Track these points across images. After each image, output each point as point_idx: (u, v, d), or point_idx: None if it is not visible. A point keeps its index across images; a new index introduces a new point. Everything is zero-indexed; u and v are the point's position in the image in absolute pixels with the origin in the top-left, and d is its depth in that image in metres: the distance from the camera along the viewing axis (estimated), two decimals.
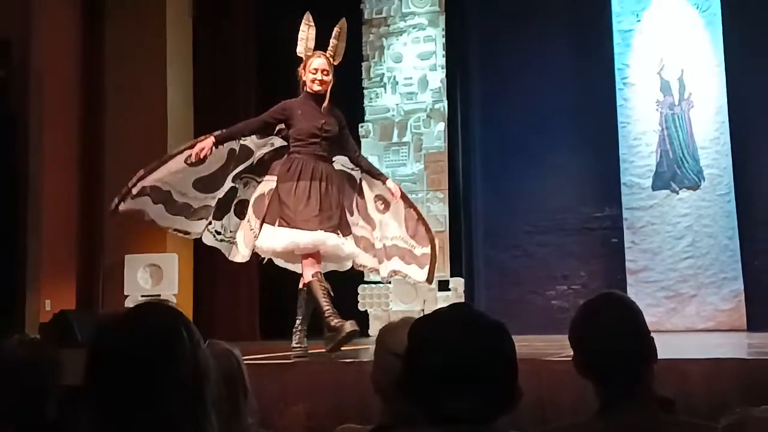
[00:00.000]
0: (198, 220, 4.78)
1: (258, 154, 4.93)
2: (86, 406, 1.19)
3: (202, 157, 4.61)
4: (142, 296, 7.25)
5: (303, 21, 5.05)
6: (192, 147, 4.66)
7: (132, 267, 7.58)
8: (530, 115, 7.96)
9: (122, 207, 4.62)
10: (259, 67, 8.43)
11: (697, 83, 7.47)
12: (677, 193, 7.40)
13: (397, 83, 8.07)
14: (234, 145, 4.82)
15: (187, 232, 4.85)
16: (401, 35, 8.11)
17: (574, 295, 7.57)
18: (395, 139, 8.03)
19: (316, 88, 4.82)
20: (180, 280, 7.62)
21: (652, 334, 1.84)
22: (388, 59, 8.11)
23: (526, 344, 4.66)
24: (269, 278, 8.06)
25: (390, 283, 7.85)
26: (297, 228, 4.57)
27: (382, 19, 8.16)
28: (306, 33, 4.99)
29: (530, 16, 8.03)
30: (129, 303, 7.28)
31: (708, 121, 7.40)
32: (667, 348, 3.21)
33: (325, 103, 4.83)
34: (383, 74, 8.12)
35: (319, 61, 4.83)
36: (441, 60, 7.97)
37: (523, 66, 8.04)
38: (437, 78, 7.96)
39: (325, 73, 4.82)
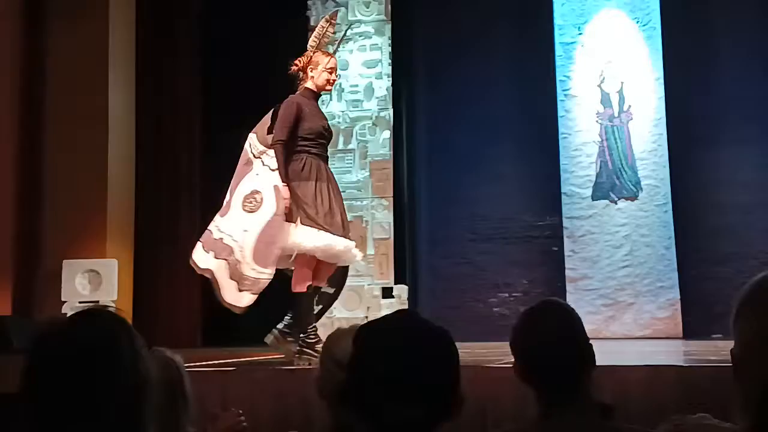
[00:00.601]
0: None
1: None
2: (21, 415, 1.16)
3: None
4: (80, 302, 7.10)
5: (326, 18, 4.97)
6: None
7: (70, 272, 7.42)
8: (474, 125, 8.05)
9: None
10: (202, 68, 8.34)
11: (636, 96, 7.64)
12: (616, 203, 7.55)
13: (343, 90, 8.07)
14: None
15: None
16: (347, 43, 8.12)
17: (516, 302, 7.66)
18: (341, 146, 8.03)
19: (328, 87, 4.78)
20: (119, 286, 7.48)
21: (591, 341, 1.87)
22: None
23: (468, 351, 4.70)
24: (211, 285, 7.97)
25: None
26: (325, 231, 4.42)
27: None
28: (324, 30, 4.86)
29: (475, 26, 8.12)
30: (66, 309, 7.13)
31: (646, 132, 7.58)
32: (605, 355, 3.27)
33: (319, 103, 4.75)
34: None
35: (334, 62, 4.73)
36: (387, 68, 8.01)
37: (468, 75, 8.12)
38: (383, 86, 7.99)
39: (336, 74, 4.76)
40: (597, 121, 7.70)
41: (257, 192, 4.59)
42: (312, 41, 4.82)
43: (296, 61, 4.77)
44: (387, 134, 7.93)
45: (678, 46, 7.49)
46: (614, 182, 7.58)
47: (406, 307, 7.38)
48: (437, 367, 1.33)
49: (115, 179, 7.65)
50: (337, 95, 8.08)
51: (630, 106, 7.64)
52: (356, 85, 8.04)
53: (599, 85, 7.74)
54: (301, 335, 4.45)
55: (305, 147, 4.55)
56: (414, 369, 1.30)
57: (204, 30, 8.31)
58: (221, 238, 4.54)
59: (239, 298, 4.51)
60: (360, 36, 8.09)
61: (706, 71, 7.54)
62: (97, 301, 6.95)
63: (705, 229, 7.40)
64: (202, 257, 4.55)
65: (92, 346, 1.17)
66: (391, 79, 8.01)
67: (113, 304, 7.09)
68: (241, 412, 2.31)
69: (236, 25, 8.27)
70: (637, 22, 7.69)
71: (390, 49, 8.03)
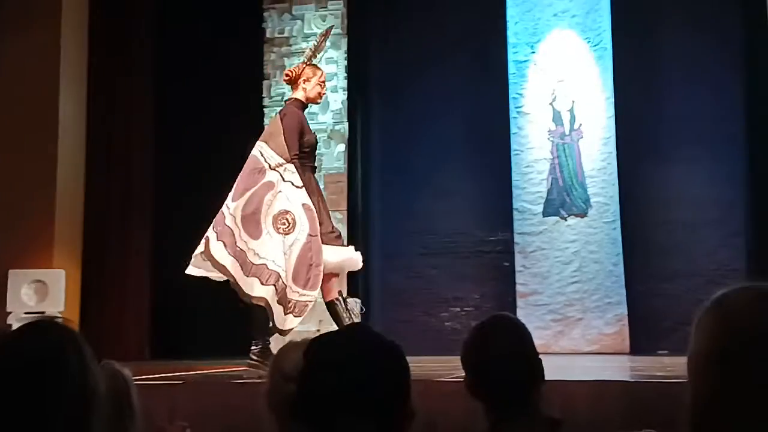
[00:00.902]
0: None
1: None
2: None
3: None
4: (26, 313, 6.96)
5: (321, 33, 5.05)
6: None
7: (15, 283, 7.26)
8: (428, 140, 8.10)
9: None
10: (156, 80, 8.25)
11: (587, 114, 7.77)
12: (566, 219, 7.66)
13: None
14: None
15: None
16: (303, 55, 8.12)
17: (467, 317, 7.70)
18: None
19: (318, 100, 4.88)
20: (66, 297, 7.35)
21: (540, 356, 1.90)
22: None
23: (419, 365, 4.71)
24: (161, 297, 7.88)
25: None
26: (334, 244, 4.57)
27: (284, 39, 8.16)
28: (320, 44, 4.92)
29: (430, 42, 8.18)
30: (12, 320, 6.98)
31: (596, 151, 7.70)
32: (554, 369, 3.30)
33: None
34: (284, 93, 8.09)
35: (324, 75, 4.79)
36: (342, 82, 8.02)
37: (423, 91, 8.18)
38: (338, 100, 8.00)
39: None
40: (548, 139, 7.81)
41: (287, 212, 4.55)
42: (307, 53, 4.88)
43: (287, 72, 4.81)
44: (342, 148, 7.94)
45: (628, 67, 7.64)
46: (564, 199, 7.69)
47: (358, 320, 7.36)
48: (388, 380, 1.33)
49: (64, 189, 7.53)
50: None
51: (581, 125, 7.77)
52: None
53: (551, 104, 7.85)
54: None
55: (304, 160, 4.61)
56: (365, 382, 1.30)
57: (158, 42, 8.24)
58: (264, 264, 4.47)
59: (284, 322, 4.54)
60: None
61: (655, 91, 7.70)
62: (44, 312, 6.82)
63: (652, 246, 7.54)
64: (248, 283, 4.51)
65: (40, 358, 1.15)
66: (346, 93, 8.03)
67: (60, 316, 6.97)
68: (187, 425, 2.28)
69: (191, 38, 8.22)
70: (589, 42, 7.83)
71: (346, 63, 8.06)
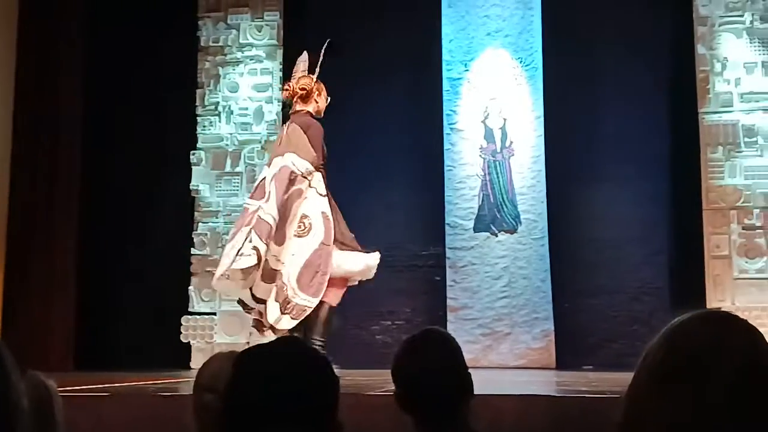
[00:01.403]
0: None
1: None
2: None
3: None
4: None
5: (324, 49, 5.17)
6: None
7: None
8: (363, 153, 8.13)
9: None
10: (86, 85, 8.08)
11: (518, 133, 7.90)
12: (496, 235, 7.76)
13: (231, 113, 8.01)
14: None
15: None
16: (238, 65, 8.08)
17: (398, 330, 7.73)
18: (228, 168, 7.95)
19: (323, 114, 4.99)
20: None
21: (469, 370, 1.92)
22: (223, 88, 8.05)
23: (349, 378, 4.70)
24: (88, 305, 7.71)
25: (215, 314, 7.72)
26: (356, 250, 4.70)
27: (219, 48, 8.09)
28: (323, 59, 5.07)
29: (367, 57, 8.22)
30: None
31: (527, 168, 7.84)
32: (482, 383, 3.34)
33: None
34: (218, 103, 8.04)
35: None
36: (277, 93, 8.00)
37: (358, 105, 8.20)
38: (273, 111, 7.97)
39: None
40: (480, 156, 7.92)
41: (306, 216, 4.65)
42: (316, 73, 5.03)
43: (304, 86, 4.91)
44: None
45: (558, 87, 7.81)
46: (495, 215, 7.80)
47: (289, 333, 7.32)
48: (316, 393, 1.33)
49: None
50: (225, 117, 8.01)
51: (512, 142, 7.90)
52: (246, 108, 7.99)
53: (483, 121, 7.97)
54: (320, 343, 4.47)
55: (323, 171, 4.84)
56: (292, 395, 1.30)
57: (89, 43, 8.08)
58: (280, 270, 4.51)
59: (279, 320, 4.50)
60: (251, 59, 8.06)
61: (583, 111, 7.89)
62: None
63: (579, 263, 7.70)
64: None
65: None
66: (281, 103, 8.01)
67: None
68: None
69: (124, 42, 8.09)
70: (521, 61, 7.98)
71: (281, 74, 8.03)
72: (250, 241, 4.53)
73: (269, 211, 4.61)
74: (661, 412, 1.06)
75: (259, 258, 4.54)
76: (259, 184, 4.92)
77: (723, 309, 6.57)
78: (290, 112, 5.04)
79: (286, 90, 4.94)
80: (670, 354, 1.08)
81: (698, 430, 1.04)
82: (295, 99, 4.94)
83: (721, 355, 1.05)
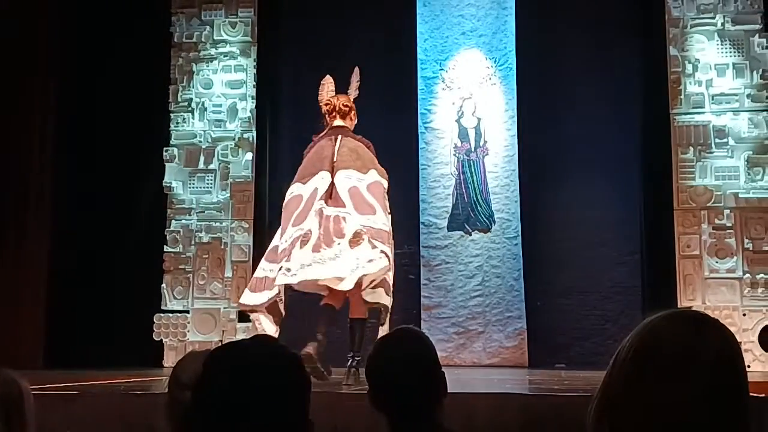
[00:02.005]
0: None
1: None
2: None
3: None
4: None
5: (356, 71, 5.39)
6: None
7: None
8: None
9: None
10: (60, 81, 7.99)
11: (492, 132, 7.94)
12: (470, 234, 7.79)
13: (205, 109, 7.96)
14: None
15: None
16: (212, 62, 8.04)
17: (372, 329, 7.71)
18: (201, 165, 7.91)
19: None
20: None
21: (443, 369, 1.93)
22: (197, 84, 8.00)
23: None
24: (59, 302, 7.63)
25: (188, 312, 7.68)
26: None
27: (192, 44, 8.04)
28: (358, 78, 5.36)
29: (341, 55, 8.20)
30: None
31: (500, 168, 7.88)
32: (455, 382, 3.35)
33: None
34: (191, 99, 7.99)
35: None
36: (251, 90, 7.97)
37: None
38: (247, 108, 7.94)
39: None
40: (454, 155, 7.94)
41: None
42: (354, 89, 5.28)
43: (347, 103, 5.15)
44: (249, 156, 7.87)
45: (531, 87, 7.85)
46: (469, 214, 7.83)
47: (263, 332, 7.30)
48: (287, 392, 1.33)
49: None
50: (199, 114, 7.96)
51: (486, 142, 7.93)
52: (219, 105, 7.95)
53: (458, 120, 7.99)
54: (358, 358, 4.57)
55: None
56: (262, 393, 1.30)
57: (62, 44, 7.99)
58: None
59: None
60: (225, 56, 8.02)
61: (556, 112, 7.92)
62: None
63: (551, 263, 7.74)
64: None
65: None
66: (255, 101, 7.97)
67: None
68: None
69: (97, 38, 8.01)
70: (495, 61, 8.01)
71: (255, 71, 8.00)
72: (375, 247, 4.66)
73: (382, 221, 4.85)
74: (635, 410, 1.07)
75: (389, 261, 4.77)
76: (309, 196, 4.86)
77: (693, 308, 6.64)
78: (326, 124, 5.14)
79: (328, 104, 5.07)
80: (643, 354, 1.10)
81: (673, 428, 1.05)
82: (333, 114, 5.07)
83: (695, 355, 1.07)
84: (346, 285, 4.58)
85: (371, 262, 4.57)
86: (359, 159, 4.90)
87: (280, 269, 4.65)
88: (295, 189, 4.92)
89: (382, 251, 4.64)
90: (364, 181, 4.85)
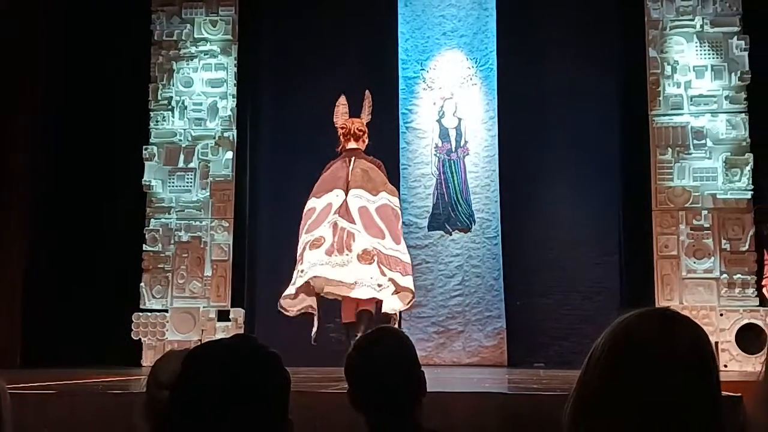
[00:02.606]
0: None
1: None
2: None
3: None
4: None
5: (368, 96, 5.77)
6: None
7: None
8: (319, 151, 8.07)
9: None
10: (39, 78, 7.92)
11: (472, 133, 7.96)
12: (450, 234, 7.81)
13: (185, 108, 7.92)
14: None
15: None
16: (192, 60, 8.00)
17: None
18: (181, 164, 7.87)
19: None
20: None
21: (422, 368, 1.93)
22: (177, 83, 7.96)
23: (303, 376, 4.70)
24: (36, 301, 7.56)
25: (167, 311, 7.65)
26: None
27: (173, 42, 8.00)
28: (370, 103, 5.73)
29: (322, 53, 8.20)
30: None
31: (481, 168, 7.90)
32: (434, 382, 3.36)
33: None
34: (171, 97, 7.95)
35: None
36: (232, 89, 7.94)
37: (314, 101, 8.17)
38: (228, 106, 7.91)
39: None
40: (435, 155, 7.95)
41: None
42: (367, 114, 5.65)
43: (361, 128, 5.50)
44: (230, 155, 7.84)
45: (512, 88, 7.87)
46: (449, 214, 7.84)
47: (242, 331, 7.28)
48: (266, 391, 1.33)
49: None
50: (179, 112, 7.93)
51: (467, 142, 7.95)
52: (200, 104, 7.91)
53: (438, 120, 8.01)
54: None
55: None
56: (241, 393, 1.29)
57: (42, 41, 7.91)
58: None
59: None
60: (205, 54, 7.99)
61: (537, 113, 7.96)
62: None
63: (531, 262, 7.77)
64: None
65: None
66: (236, 99, 7.94)
67: None
68: None
69: (76, 37, 7.95)
70: (476, 62, 8.03)
71: (236, 69, 7.97)
72: (384, 274, 5.04)
73: (391, 246, 5.17)
74: (610, 409, 1.08)
75: (397, 287, 5.13)
76: (322, 209, 5.22)
77: (670, 308, 6.67)
78: (342, 148, 5.49)
79: (343, 128, 5.43)
80: (616, 352, 1.11)
81: (647, 426, 1.06)
82: (347, 137, 5.42)
83: (668, 352, 1.08)
84: (362, 294, 4.96)
85: (381, 289, 4.98)
86: (371, 181, 5.25)
87: (298, 274, 5.04)
88: (309, 203, 5.28)
89: (390, 279, 5.02)
90: (374, 203, 5.20)
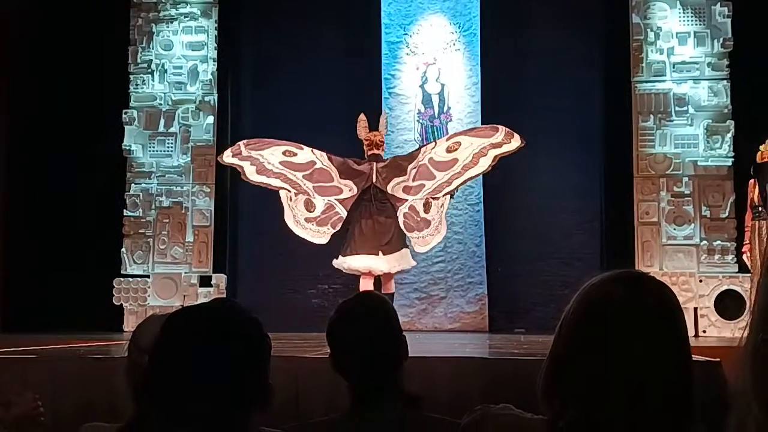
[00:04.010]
0: None
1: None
2: None
3: None
4: None
5: (384, 116, 6.81)
6: None
7: None
8: (300, 115, 8.05)
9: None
10: (13, 39, 7.80)
11: (455, 99, 7.92)
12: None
13: (165, 72, 7.83)
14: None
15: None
16: (172, 23, 7.89)
17: (334, 294, 7.74)
18: (161, 128, 7.80)
19: None
20: None
21: (404, 334, 1.93)
22: (156, 46, 7.86)
23: (284, 342, 4.71)
24: (17, 267, 7.52)
25: (149, 276, 7.62)
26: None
27: (153, 5, 7.89)
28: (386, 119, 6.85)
29: (304, 19, 8.12)
30: None
31: None
32: (416, 347, 3.37)
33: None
34: (151, 61, 7.85)
35: None
36: (213, 52, 7.85)
37: (295, 66, 8.11)
38: (208, 70, 7.83)
39: None
40: (418, 121, 7.92)
41: None
42: (384, 128, 6.65)
43: (382, 140, 6.52)
44: (211, 120, 7.78)
45: (495, 54, 7.84)
46: None
47: (224, 296, 7.27)
48: (244, 356, 1.32)
49: None
50: (159, 76, 7.83)
51: (450, 108, 7.92)
52: (180, 68, 7.82)
53: (421, 86, 7.96)
54: None
55: None
56: (220, 357, 1.29)
57: (17, 4, 7.77)
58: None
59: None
60: (185, 17, 7.88)
61: (519, 80, 7.94)
62: None
63: (513, 229, 7.80)
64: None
65: None
66: (217, 63, 7.86)
67: None
68: (37, 397, 2.19)
69: (57, 30, 7.82)
70: (459, 27, 7.98)
71: (216, 33, 7.88)
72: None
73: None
74: (583, 373, 1.08)
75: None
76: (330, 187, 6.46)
77: (651, 274, 6.72)
78: (369, 154, 6.46)
79: (368, 140, 6.42)
80: (585, 315, 1.11)
81: (614, 387, 1.06)
82: (371, 147, 6.44)
83: (635, 313, 1.09)
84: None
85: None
86: (394, 169, 6.37)
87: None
88: (318, 157, 6.52)
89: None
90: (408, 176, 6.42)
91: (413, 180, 6.40)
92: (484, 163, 6.41)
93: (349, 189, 6.45)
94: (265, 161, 6.48)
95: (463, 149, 6.39)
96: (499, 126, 6.46)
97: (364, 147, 6.52)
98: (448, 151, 6.41)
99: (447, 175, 6.40)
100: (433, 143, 6.64)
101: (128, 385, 1.84)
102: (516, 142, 6.36)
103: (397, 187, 6.38)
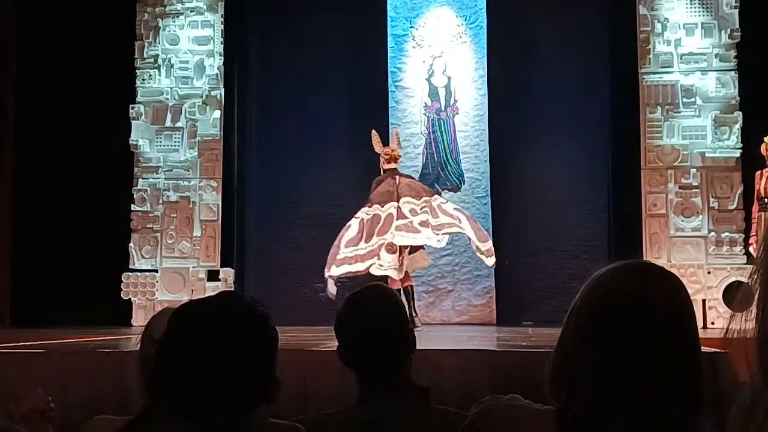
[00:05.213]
0: None
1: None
2: None
3: None
4: None
5: (396, 134, 7.02)
6: None
7: None
8: (307, 109, 8.05)
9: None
10: (21, 35, 7.82)
11: (462, 91, 7.91)
12: (440, 193, 7.79)
13: (172, 66, 7.84)
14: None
15: None
16: (178, 17, 7.89)
17: (342, 287, 7.72)
18: (168, 123, 7.81)
19: None
20: None
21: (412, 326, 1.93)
22: (163, 40, 7.86)
23: (293, 335, 4.72)
24: (26, 262, 7.55)
25: (157, 271, 7.65)
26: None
27: None
28: (399, 144, 7.03)
29: (310, 12, 8.11)
30: None
31: (470, 127, 7.87)
32: (424, 339, 3.38)
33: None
34: (157, 55, 7.86)
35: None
36: (219, 47, 7.85)
37: (301, 60, 8.11)
38: (215, 65, 7.83)
39: None
40: (425, 114, 7.91)
41: None
42: (397, 144, 6.88)
43: (398, 154, 6.75)
44: (217, 114, 7.79)
45: (501, 47, 7.82)
46: (439, 173, 7.83)
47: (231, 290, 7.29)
48: (252, 348, 1.32)
49: None
50: (165, 70, 7.84)
51: (456, 101, 7.91)
52: (186, 62, 7.83)
53: (428, 79, 7.95)
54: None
55: None
56: (227, 349, 1.29)
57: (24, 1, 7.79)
58: None
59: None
60: (191, 11, 7.88)
61: (526, 72, 7.92)
62: None
63: (520, 222, 7.79)
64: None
65: None
66: (223, 57, 7.86)
67: None
68: (48, 392, 2.20)
69: (63, 26, 7.84)
70: (465, 20, 7.96)
71: (223, 27, 7.88)
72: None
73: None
74: (591, 364, 1.08)
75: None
76: (385, 218, 6.44)
77: (646, 260, 6.69)
78: (386, 168, 6.60)
79: (387, 154, 6.62)
80: (594, 308, 1.11)
81: (622, 377, 1.06)
82: (389, 161, 6.61)
83: (644, 304, 1.08)
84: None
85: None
86: (413, 190, 6.55)
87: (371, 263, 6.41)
88: (375, 209, 6.55)
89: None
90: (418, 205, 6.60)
91: (421, 210, 6.51)
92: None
93: (389, 208, 6.59)
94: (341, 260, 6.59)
95: (464, 221, 6.45)
96: (489, 239, 6.50)
97: (381, 160, 6.64)
98: (455, 209, 6.55)
99: (448, 219, 6.47)
100: (445, 200, 6.78)
101: (140, 377, 1.85)
102: (489, 261, 6.44)
103: (406, 204, 6.51)
